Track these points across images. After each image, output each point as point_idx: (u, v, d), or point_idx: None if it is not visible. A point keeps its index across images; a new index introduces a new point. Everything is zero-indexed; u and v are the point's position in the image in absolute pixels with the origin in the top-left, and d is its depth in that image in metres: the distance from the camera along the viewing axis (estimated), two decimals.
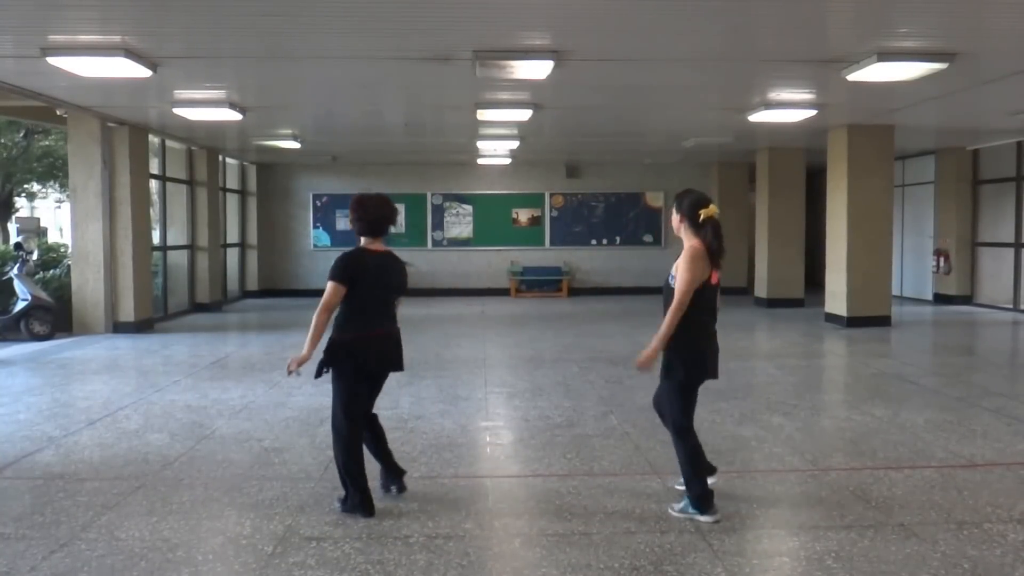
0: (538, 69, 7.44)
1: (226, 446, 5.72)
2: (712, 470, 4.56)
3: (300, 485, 4.86)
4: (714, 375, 4.38)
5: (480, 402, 7.11)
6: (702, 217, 4.25)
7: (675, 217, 4.40)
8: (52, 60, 7.09)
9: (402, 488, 4.70)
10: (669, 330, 4.17)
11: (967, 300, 15.21)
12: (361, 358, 4.41)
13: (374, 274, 4.43)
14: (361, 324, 4.40)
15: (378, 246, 4.53)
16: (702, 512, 4.25)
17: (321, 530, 4.15)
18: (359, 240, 4.55)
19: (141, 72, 7.46)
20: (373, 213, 4.49)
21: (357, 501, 4.35)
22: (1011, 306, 14.21)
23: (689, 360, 4.24)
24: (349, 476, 4.38)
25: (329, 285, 4.34)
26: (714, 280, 4.29)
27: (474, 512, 4.41)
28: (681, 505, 4.35)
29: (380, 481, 4.71)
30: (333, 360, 4.38)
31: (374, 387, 4.65)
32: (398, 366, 4.65)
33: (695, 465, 4.29)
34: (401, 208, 18.05)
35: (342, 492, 4.45)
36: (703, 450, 4.37)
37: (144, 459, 5.40)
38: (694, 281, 4.16)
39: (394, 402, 7.07)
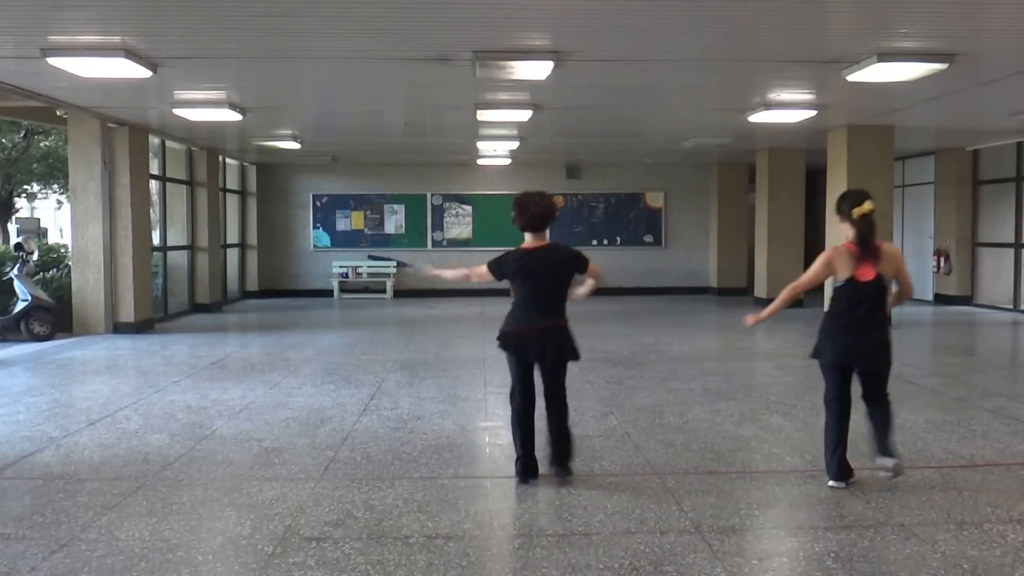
0: (538, 70, 7.44)
1: (226, 446, 5.72)
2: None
3: (300, 485, 4.86)
4: (845, 362, 4.72)
5: (480, 402, 7.11)
6: (855, 215, 4.56)
7: (837, 218, 4.72)
8: (52, 60, 7.09)
9: (561, 473, 4.91)
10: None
11: (967, 300, 15.20)
12: (509, 350, 4.91)
13: (523, 273, 4.83)
14: (511, 319, 4.89)
15: (535, 241, 4.86)
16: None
17: (321, 530, 4.15)
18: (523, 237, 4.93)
19: (141, 72, 7.47)
20: (526, 210, 4.83)
21: (516, 465, 4.91)
22: (1011, 306, 14.21)
23: (822, 343, 4.77)
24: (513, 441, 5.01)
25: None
26: (862, 277, 4.58)
27: (474, 512, 4.41)
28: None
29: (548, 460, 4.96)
30: (501, 346, 4.93)
31: (533, 372, 4.96)
32: (550, 357, 4.87)
33: (825, 438, 4.82)
34: (401, 209, 18.09)
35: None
36: (833, 428, 4.78)
37: (144, 459, 5.40)
38: (815, 276, 4.76)
39: (394, 402, 7.08)
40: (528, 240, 4.90)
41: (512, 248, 4.99)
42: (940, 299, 15.51)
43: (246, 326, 13.90)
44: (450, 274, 5.49)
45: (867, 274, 4.62)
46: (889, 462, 4.70)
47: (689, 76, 8.41)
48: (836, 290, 4.74)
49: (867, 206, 4.56)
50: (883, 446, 4.75)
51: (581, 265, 4.93)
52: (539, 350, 4.84)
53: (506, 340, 4.90)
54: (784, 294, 4.82)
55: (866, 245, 4.59)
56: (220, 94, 9.44)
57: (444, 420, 6.44)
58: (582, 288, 5.08)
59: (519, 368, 4.94)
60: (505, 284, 5.05)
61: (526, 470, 4.88)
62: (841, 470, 4.74)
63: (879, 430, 4.79)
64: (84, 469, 5.20)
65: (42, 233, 24.70)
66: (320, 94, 9.77)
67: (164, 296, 13.96)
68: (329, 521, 4.28)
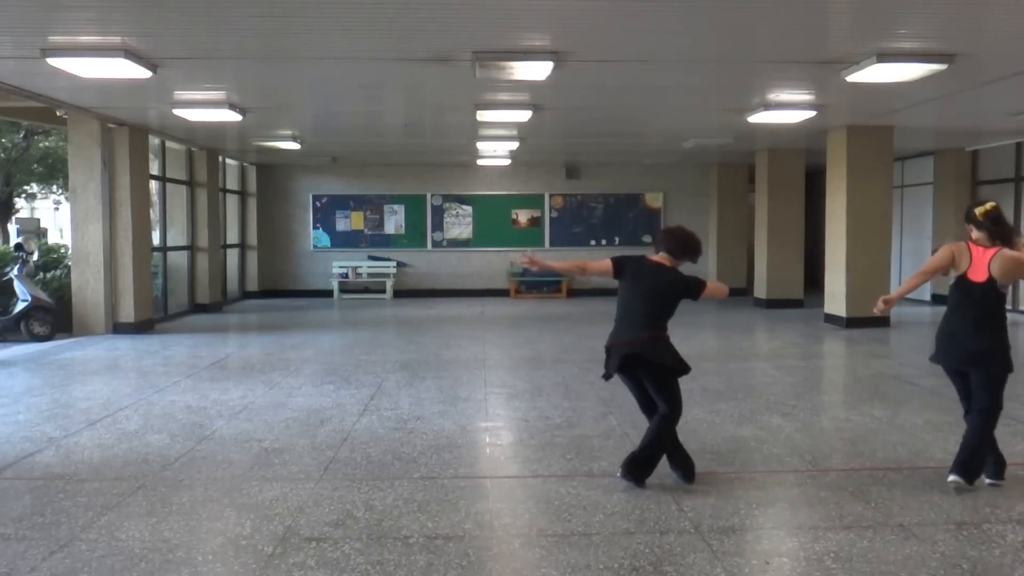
0: (538, 70, 7.44)
1: (226, 447, 5.73)
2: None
3: (300, 485, 4.86)
4: (942, 362, 4.86)
5: (480, 403, 7.12)
6: (979, 215, 4.65)
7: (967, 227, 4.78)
8: (52, 61, 7.09)
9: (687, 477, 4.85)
10: None
11: None
12: (608, 366, 4.90)
13: (634, 278, 4.89)
14: (612, 332, 4.89)
15: (660, 258, 4.95)
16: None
17: (321, 530, 4.16)
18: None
19: (141, 73, 7.47)
20: (671, 238, 5.00)
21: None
22: (1010, 307, 14.22)
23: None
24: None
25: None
26: (971, 275, 4.67)
27: (474, 512, 4.42)
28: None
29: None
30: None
31: (637, 382, 4.93)
32: (644, 368, 4.82)
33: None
34: (401, 209, 18.11)
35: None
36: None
37: (144, 460, 5.40)
38: (932, 265, 5.01)
39: (394, 403, 7.08)
40: (659, 256, 4.96)
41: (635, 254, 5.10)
42: (939, 299, 15.50)
43: (246, 326, 13.90)
44: (560, 265, 5.38)
45: (979, 275, 4.65)
46: (954, 479, 4.63)
47: (689, 76, 8.41)
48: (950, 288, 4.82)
49: (989, 205, 4.66)
50: (959, 460, 4.69)
51: (694, 291, 4.89)
52: (635, 361, 4.77)
53: (606, 356, 4.90)
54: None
55: (993, 240, 4.62)
56: (220, 94, 9.44)
57: (444, 420, 6.44)
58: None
59: (625, 382, 4.97)
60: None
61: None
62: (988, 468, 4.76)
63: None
64: (84, 469, 5.20)
65: (42, 233, 24.67)
66: (320, 94, 9.77)
67: (164, 296, 13.97)
68: (329, 521, 4.28)
